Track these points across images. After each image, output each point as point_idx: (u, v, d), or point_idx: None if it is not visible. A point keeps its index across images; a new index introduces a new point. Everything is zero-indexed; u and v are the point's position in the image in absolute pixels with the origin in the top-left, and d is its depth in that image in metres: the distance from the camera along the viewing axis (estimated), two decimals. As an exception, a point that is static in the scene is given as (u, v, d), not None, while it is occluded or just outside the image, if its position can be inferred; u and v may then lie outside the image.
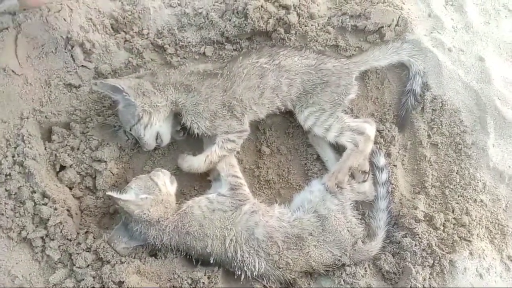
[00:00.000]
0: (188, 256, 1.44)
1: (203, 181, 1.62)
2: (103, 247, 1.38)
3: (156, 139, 1.53)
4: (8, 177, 1.41)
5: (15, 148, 1.45)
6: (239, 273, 1.41)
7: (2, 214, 1.37)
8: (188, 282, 1.38)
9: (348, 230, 1.47)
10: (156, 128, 1.50)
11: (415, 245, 1.46)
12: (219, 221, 1.41)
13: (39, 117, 1.52)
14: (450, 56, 1.76)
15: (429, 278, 1.43)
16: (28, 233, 1.37)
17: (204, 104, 1.50)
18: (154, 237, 1.39)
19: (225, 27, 1.65)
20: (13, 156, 1.44)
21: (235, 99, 1.51)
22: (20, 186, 1.41)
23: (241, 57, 1.57)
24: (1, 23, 1.49)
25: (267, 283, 1.41)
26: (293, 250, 1.41)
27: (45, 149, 1.50)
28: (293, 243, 1.41)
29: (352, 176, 1.58)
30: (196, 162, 1.53)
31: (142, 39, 1.65)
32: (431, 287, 1.42)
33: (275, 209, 1.49)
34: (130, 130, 1.52)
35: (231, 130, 1.53)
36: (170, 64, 1.67)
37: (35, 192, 1.41)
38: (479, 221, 1.55)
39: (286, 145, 1.71)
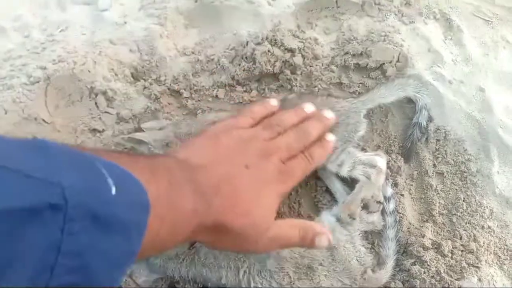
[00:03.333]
0: (204, 288, 1.51)
1: (218, 215, 1.69)
2: (126, 280, 1.46)
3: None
4: (39, 217, 1.51)
5: (46, 190, 1.55)
6: (253, 304, 1.46)
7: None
8: (205, 313, 1.44)
9: (357, 260, 1.52)
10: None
11: (424, 273, 1.49)
12: (233, 253, 1.47)
13: (67, 161, 1.63)
14: (451, 88, 1.82)
15: (439, 305, 1.44)
16: (57, 269, 1.46)
17: None
18: (172, 269, 1.46)
19: (235, 71, 1.76)
20: (44, 198, 1.53)
21: None
22: (50, 226, 1.50)
23: None
24: (34, 78, 1.64)
25: (279, 313, 1.46)
26: (304, 280, 1.46)
27: (73, 190, 1.60)
28: (304, 274, 1.46)
29: (366, 206, 1.62)
30: None
31: (159, 86, 1.77)
32: (441, 314, 1.44)
33: (286, 241, 1.55)
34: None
35: None
36: (186, 107, 1.77)
37: (63, 231, 1.50)
38: (487, 247, 1.57)
39: (296, 179, 1.77)
